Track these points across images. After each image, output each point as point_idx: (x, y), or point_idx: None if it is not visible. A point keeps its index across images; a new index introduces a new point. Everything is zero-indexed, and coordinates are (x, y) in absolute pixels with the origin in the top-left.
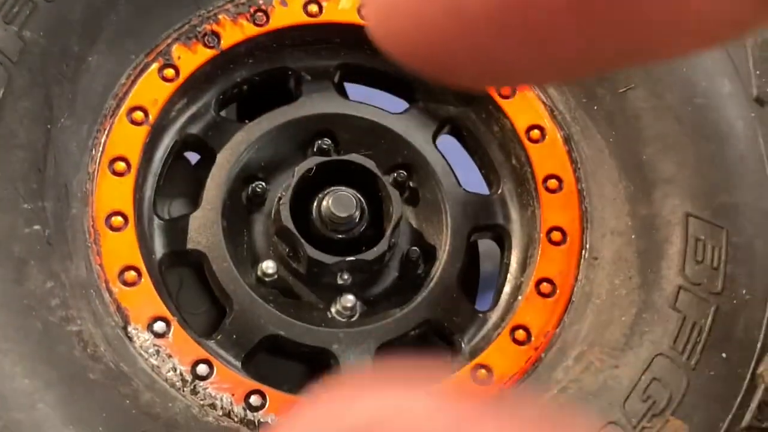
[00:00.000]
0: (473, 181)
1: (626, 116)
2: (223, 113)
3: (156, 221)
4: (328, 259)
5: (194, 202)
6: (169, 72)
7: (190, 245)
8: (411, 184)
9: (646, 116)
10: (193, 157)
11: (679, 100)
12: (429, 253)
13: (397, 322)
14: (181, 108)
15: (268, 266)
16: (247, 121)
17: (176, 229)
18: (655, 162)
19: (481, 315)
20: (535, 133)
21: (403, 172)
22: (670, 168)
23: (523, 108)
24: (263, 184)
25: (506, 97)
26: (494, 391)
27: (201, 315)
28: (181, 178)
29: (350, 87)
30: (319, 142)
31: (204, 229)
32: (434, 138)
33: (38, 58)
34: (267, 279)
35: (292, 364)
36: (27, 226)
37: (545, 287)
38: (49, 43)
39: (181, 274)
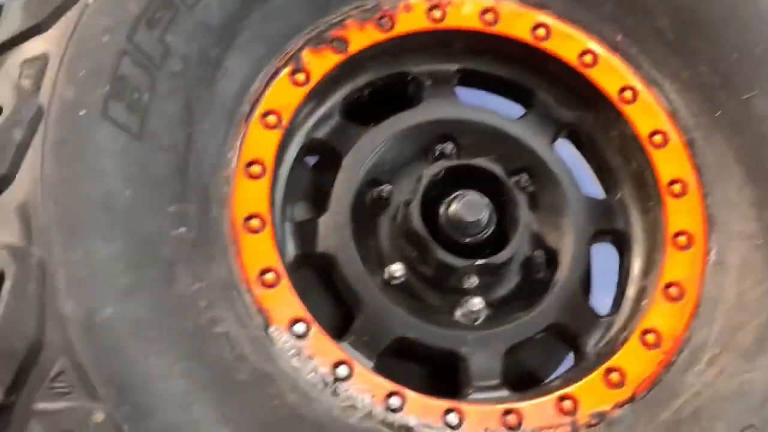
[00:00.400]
0: (585, 184)
1: (750, 121)
2: None
3: (286, 224)
4: (458, 262)
5: (315, 204)
6: (300, 77)
7: (320, 248)
8: (531, 188)
9: None
10: (309, 159)
11: None
12: (551, 257)
13: (524, 325)
14: (308, 112)
15: (396, 269)
16: (372, 124)
17: (305, 232)
18: None
19: (604, 319)
20: (658, 138)
21: (525, 176)
22: None
23: (645, 113)
24: (388, 187)
25: (628, 102)
26: (628, 394)
27: (324, 317)
28: (302, 181)
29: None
30: (441, 146)
31: (333, 231)
32: (552, 142)
33: (180, 62)
34: (394, 282)
35: (416, 366)
36: (173, 229)
37: (673, 291)
38: (190, 47)
39: (306, 276)
